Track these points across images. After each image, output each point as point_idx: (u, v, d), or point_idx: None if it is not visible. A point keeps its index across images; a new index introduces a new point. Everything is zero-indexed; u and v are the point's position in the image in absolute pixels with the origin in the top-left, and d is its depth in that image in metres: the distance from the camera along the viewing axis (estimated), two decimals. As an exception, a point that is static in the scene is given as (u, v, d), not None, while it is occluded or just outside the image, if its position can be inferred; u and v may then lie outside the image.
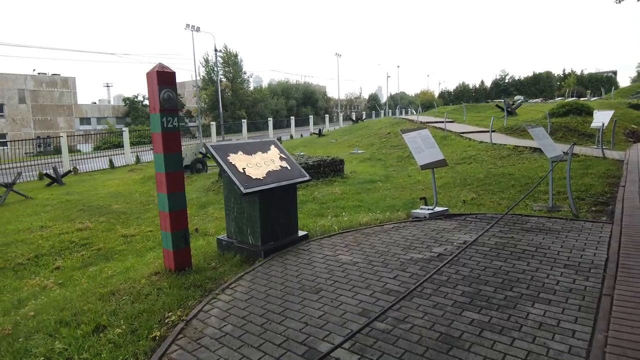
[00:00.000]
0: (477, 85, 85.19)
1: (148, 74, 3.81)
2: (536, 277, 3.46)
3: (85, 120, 55.47)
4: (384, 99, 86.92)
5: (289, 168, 4.88)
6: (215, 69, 47.48)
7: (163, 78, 3.76)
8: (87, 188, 13.78)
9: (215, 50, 36.84)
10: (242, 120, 32.71)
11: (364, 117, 41.99)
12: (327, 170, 11.30)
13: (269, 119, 35.26)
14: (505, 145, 12.93)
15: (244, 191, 4.16)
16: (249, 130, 39.53)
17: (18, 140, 28.05)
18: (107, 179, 15.99)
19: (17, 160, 22.61)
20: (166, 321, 3.07)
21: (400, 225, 5.30)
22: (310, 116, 39.73)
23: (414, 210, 5.76)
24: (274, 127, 40.08)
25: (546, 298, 3.07)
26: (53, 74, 52.62)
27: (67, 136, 22.55)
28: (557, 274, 3.49)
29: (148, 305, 3.34)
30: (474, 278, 3.50)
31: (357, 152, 17.00)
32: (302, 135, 33.51)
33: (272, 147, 5.08)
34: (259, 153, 4.83)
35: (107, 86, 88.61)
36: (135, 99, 57.88)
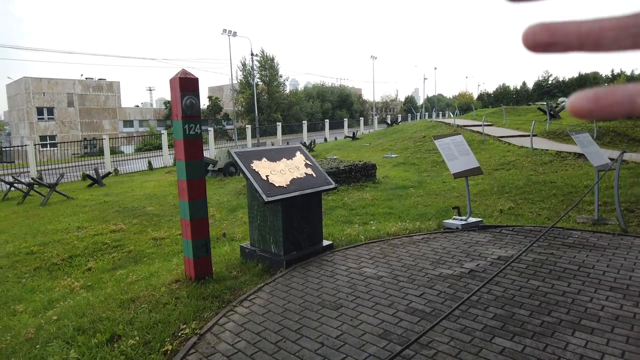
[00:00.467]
0: (518, 87, 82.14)
1: (171, 81, 3.78)
2: (578, 300, 3.15)
3: (128, 123, 57.68)
4: (420, 101, 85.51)
5: (314, 175, 4.74)
6: (252, 72, 48.21)
7: (185, 84, 3.72)
8: (125, 189, 14.22)
9: (252, 54, 37.36)
10: (277, 123, 32.95)
11: (399, 120, 41.39)
12: (358, 175, 11.11)
13: (303, 121, 35.37)
14: (548, 150, 12.26)
15: (266, 199, 4.06)
16: (283, 133, 39.85)
17: (66, 142, 29.54)
18: (144, 181, 16.46)
19: (65, 160, 23.76)
20: (180, 334, 3.00)
21: (430, 236, 5.04)
22: (344, 119, 39.52)
23: (446, 221, 5.48)
24: (309, 130, 40.19)
25: (588, 326, 2.77)
26: (99, 79, 55.09)
27: (110, 138, 23.47)
28: (602, 298, 3.16)
29: (164, 316, 3.29)
30: (507, 299, 3.22)
31: (391, 156, 16.69)
32: (336, 138, 33.39)
33: (298, 153, 4.97)
34: (284, 160, 4.72)
35: (150, 90, 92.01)
36: (175, 102, 59.60)
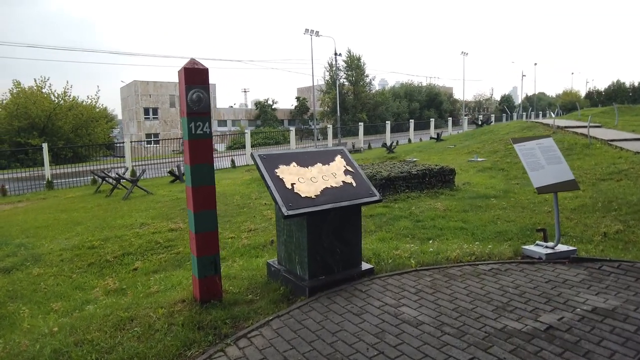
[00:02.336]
0: (636, 84, 71.23)
1: (179, 73, 3.27)
2: None
3: (222, 123, 61.12)
4: (518, 100, 78.54)
5: (354, 184, 3.94)
6: (336, 72, 48.02)
7: (192, 76, 3.18)
8: (200, 186, 14.54)
9: (335, 53, 37.06)
10: (359, 124, 32.22)
11: (491, 120, 38.18)
12: (433, 180, 9.96)
13: (386, 122, 34.19)
14: (677, 158, 9.92)
15: (286, 213, 3.37)
16: (368, 133, 38.97)
17: (166, 139, 31.96)
18: (222, 178, 16.78)
19: (164, 156, 25.51)
20: (146, 380, 2.43)
21: (501, 267, 3.95)
22: (431, 119, 37.50)
23: (527, 246, 4.32)
24: (394, 131, 38.81)
25: None
26: (198, 81, 59.05)
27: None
28: None
29: (146, 348, 2.76)
30: (601, 385, 2.16)
31: (477, 159, 15.04)
32: (421, 140, 31.71)
33: (338, 157, 4.20)
34: (318, 165, 4.00)
35: (245, 91, 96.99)
36: (266, 103, 61.83)
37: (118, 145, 32.35)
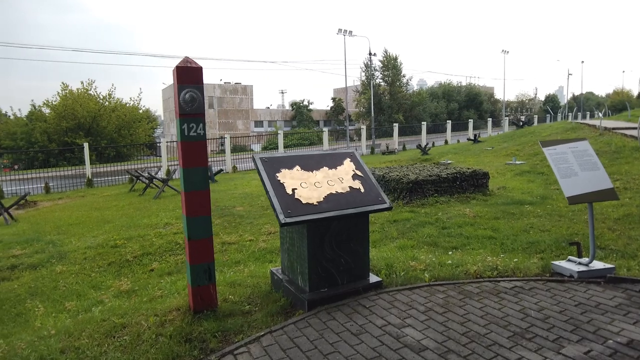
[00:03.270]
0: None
1: (173, 71, 3.12)
2: None
3: (258, 123, 61.95)
4: (564, 100, 74.67)
5: (362, 190, 3.67)
6: (371, 73, 47.41)
7: (185, 75, 3.02)
8: (229, 187, 14.62)
9: (370, 53, 36.54)
10: (394, 124, 31.61)
11: (534, 121, 36.44)
12: (464, 184, 9.46)
13: (422, 122, 33.37)
14: None
15: (283, 220, 3.15)
16: (404, 134, 38.21)
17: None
18: (251, 179, 16.84)
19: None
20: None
21: (525, 285, 3.55)
22: (469, 120, 36.26)
23: (557, 262, 3.88)
24: (431, 132, 37.85)
25: None
26: (236, 83, 60.16)
27: (233, 137, 25.04)
28: None
29: (128, 362, 2.63)
30: None
31: (515, 162, 14.27)
32: (458, 141, 30.73)
33: (347, 160, 3.94)
34: (324, 169, 3.75)
35: (282, 92, 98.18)
36: (301, 104, 62.09)
37: (158, 144, 33.46)
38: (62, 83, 36.26)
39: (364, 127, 30.41)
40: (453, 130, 34.75)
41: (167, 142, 21.96)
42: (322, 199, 3.43)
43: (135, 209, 11.36)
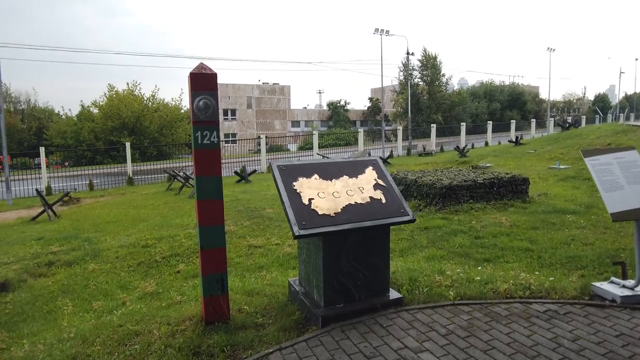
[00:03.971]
0: None
1: (188, 78, 3.07)
2: None
3: (295, 123, 62.34)
4: (616, 99, 70.28)
5: (384, 201, 3.49)
6: (408, 72, 46.55)
7: (199, 81, 2.96)
8: (262, 188, 14.70)
9: (407, 53, 35.84)
10: (432, 125, 30.87)
11: (581, 122, 34.50)
12: (502, 190, 9.00)
13: (462, 123, 32.40)
14: None
15: (297, 233, 3.03)
16: (442, 135, 37.29)
17: (242, 140, 33.30)
18: (285, 180, 16.89)
19: (240, 156, 26.53)
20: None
21: (560, 309, 3.25)
22: (512, 121, 34.85)
23: (598, 284, 3.55)
24: (470, 133, 36.71)
25: None
26: (273, 83, 60.82)
27: (270, 137, 25.31)
28: None
29: (133, 375, 2.59)
30: None
31: (558, 167, 13.50)
32: (499, 143, 29.63)
33: (369, 169, 3.77)
34: (344, 177, 3.60)
35: (319, 93, 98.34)
36: (338, 104, 61.95)
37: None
38: (109, 84, 38.00)
39: (400, 127, 29.87)
40: (494, 131, 33.53)
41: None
42: (339, 210, 3.28)
43: (169, 208, 11.63)
